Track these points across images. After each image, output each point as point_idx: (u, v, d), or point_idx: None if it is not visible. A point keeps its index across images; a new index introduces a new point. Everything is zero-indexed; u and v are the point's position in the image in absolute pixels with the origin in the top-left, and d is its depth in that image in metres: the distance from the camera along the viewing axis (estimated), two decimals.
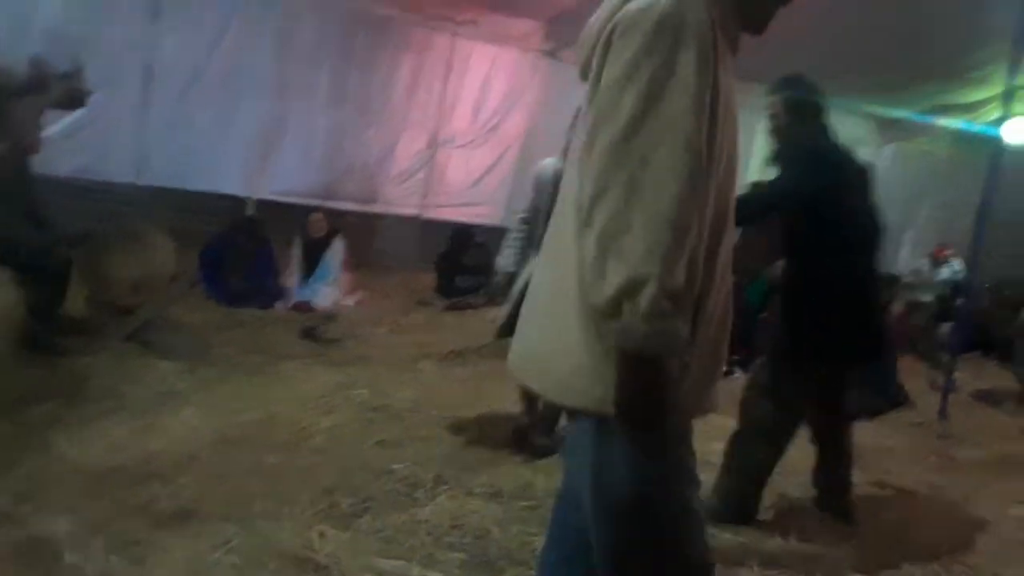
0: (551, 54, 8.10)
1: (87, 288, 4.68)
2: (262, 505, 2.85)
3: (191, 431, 3.47)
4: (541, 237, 1.69)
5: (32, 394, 3.61)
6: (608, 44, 1.40)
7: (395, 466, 3.34)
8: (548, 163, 3.75)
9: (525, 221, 3.90)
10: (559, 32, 7.77)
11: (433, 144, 7.79)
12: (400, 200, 7.76)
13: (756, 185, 3.69)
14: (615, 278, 1.29)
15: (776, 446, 3.18)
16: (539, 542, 2.82)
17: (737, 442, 3.22)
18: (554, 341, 1.48)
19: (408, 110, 7.67)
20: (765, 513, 3.28)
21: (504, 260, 4.02)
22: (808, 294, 3.14)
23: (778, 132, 3.28)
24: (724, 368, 1.62)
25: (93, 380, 3.94)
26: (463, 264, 7.05)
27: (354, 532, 2.76)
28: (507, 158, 8.25)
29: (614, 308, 1.30)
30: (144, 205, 6.39)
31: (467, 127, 7.91)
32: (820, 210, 3.07)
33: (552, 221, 1.58)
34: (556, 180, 3.48)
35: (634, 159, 1.31)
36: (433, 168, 7.85)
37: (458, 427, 3.99)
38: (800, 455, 3.34)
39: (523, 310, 1.65)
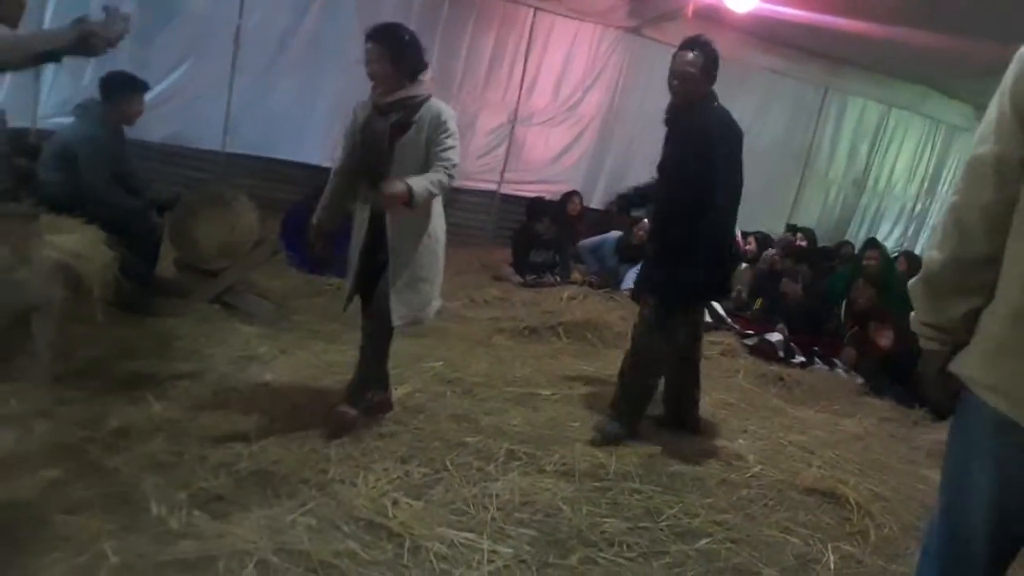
0: (634, 31, 7.97)
1: (175, 251, 4.82)
2: (339, 470, 2.91)
3: (272, 394, 3.56)
4: None
5: (124, 351, 3.76)
6: None
7: (468, 439, 3.38)
8: None
9: None
10: (642, 9, 7.63)
11: (512, 120, 7.78)
12: (478, 175, 7.78)
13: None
14: None
15: (661, 372, 3.75)
16: (609, 524, 2.83)
17: (633, 371, 3.67)
18: None
19: (488, 85, 7.65)
20: None
21: None
22: (699, 246, 3.41)
23: (688, 91, 3.46)
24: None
25: (180, 341, 4.07)
26: (538, 234, 7.02)
27: (427, 502, 2.80)
28: (586, 136, 8.18)
29: None
30: (228, 171, 6.56)
31: (547, 104, 7.86)
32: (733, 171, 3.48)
33: None
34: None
35: None
36: (512, 144, 7.84)
37: (531, 403, 4.00)
38: None
39: None
